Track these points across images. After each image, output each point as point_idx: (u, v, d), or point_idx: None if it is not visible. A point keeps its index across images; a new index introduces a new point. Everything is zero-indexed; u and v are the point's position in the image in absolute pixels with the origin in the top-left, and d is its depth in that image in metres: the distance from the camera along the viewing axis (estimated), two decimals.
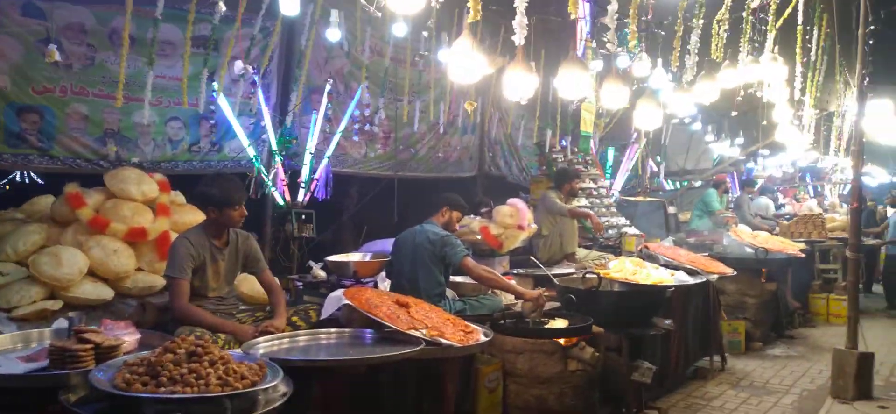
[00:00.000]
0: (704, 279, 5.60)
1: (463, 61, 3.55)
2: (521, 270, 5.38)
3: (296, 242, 5.75)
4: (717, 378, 6.10)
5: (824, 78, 7.57)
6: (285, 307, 3.41)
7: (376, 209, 8.61)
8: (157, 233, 4.42)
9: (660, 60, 6.20)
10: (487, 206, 8.52)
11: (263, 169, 5.79)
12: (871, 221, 11.41)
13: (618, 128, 9.96)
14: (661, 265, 5.91)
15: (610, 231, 8.59)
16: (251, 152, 5.92)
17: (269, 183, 5.65)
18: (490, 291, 4.29)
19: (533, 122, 9.49)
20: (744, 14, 6.02)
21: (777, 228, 9.71)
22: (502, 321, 3.76)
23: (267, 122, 6.09)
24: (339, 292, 3.36)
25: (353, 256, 4.40)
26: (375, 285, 4.23)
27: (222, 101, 5.63)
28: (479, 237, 5.20)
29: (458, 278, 4.39)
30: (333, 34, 6.02)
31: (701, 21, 5.88)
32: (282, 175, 5.78)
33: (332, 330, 3.19)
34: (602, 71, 6.19)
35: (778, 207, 13.28)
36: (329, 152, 6.15)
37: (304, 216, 5.82)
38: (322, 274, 4.26)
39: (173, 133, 6.06)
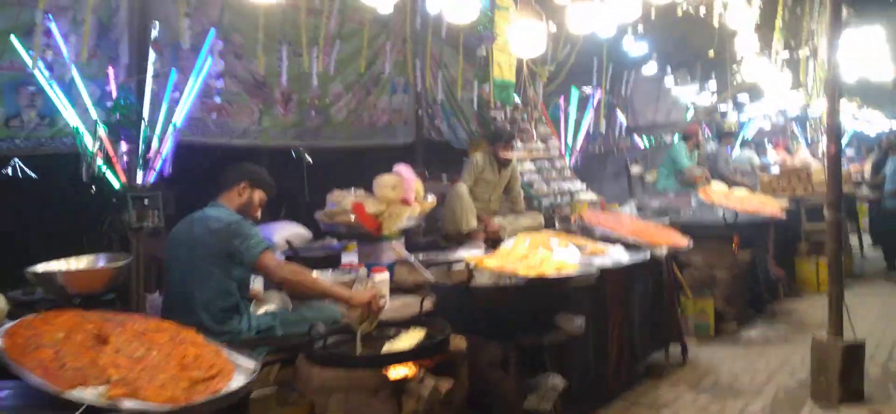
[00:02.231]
0: (646, 256, 4.39)
1: None
2: (421, 257, 4.15)
3: (137, 233, 4.53)
4: (674, 375, 4.94)
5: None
6: None
7: (296, 187, 7.41)
8: None
9: None
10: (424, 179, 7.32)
11: (89, 144, 4.55)
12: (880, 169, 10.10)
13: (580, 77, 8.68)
14: (598, 239, 4.72)
15: (560, 199, 7.40)
16: (84, 125, 4.68)
17: (92, 158, 4.42)
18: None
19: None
20: None
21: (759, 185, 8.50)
22: (321, 343, 2.57)
23: (112, 87, 4.84)
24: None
25: (63, 264, 2.99)
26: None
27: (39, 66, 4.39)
28: (353, 218, 3.99)
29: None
30: None
31: None
32: (111, 150, 4.55)
33: None
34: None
35: (764, 160, 12.04)
36: (179, 121, 4.88)
37: (146, 201, 4.60)
38: None
39: None
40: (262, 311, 2.98)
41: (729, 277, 6.08)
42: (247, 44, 6.32)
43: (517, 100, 8.31)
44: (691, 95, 8.81)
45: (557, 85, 8.26)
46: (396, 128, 8.37)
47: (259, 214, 3.14)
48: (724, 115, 8.07)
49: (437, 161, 8.26)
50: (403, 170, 4.10)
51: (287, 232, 4.86)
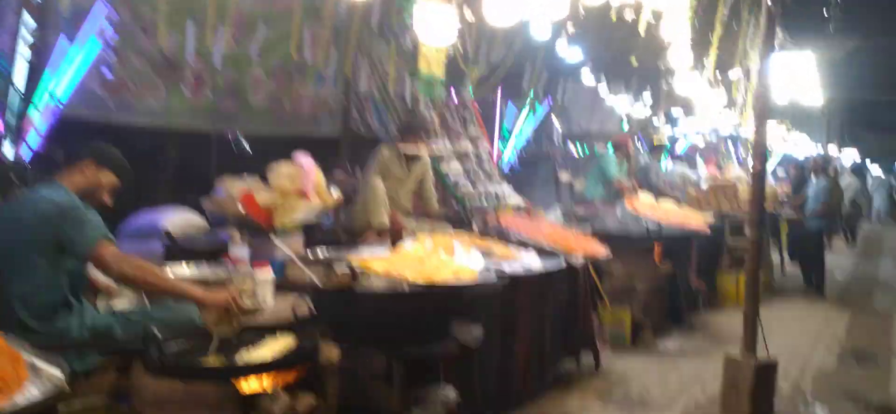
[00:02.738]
0: (561, 263, 4.19)
1: None
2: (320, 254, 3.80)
3: None
4: (585, 385, 4.77)
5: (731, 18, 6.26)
6: None
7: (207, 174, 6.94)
8: None
9: None
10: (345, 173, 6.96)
11: None
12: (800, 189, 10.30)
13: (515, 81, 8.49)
14: (514, 244, 4.50)
15: (486, 201, 7.18)
16: None
17: None
18: None
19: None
20: None
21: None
22: (160, 350, 2.21)
23: None
24: None
25: None
26: None
27: None
28: (243, 208, 3.63)
29: None
30: None
31: None
32: None
33: None
34: None
35: (696, 175, 12.20)
36: (61, 93, 4.41)
37: (13, 176, 4.11)
38: None
39: None
40: (112, 308, 2.61)
41: (648, 287, 5.97)
42: (154, 18, 5.85)
43: (452, 96, 8.08)
44: (625, 106, 8.76)
45: (492, 87, 8.06)
46: (320, 118, 7.97)
47: (108, 199, 2.73)
48: (657, 128, 8.02)
49: (366, 156, 7.93)
50: (303, 160, 3.77)
51: (178, 219, 4.45)
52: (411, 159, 5.22)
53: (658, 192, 7.96)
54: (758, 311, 4.05)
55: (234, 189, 3.67)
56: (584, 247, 4.61)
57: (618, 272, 6.01)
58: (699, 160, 14.88)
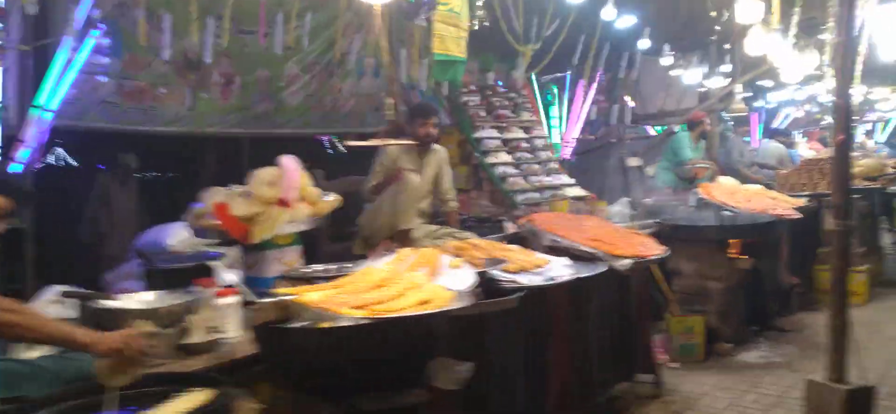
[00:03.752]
0: (600, 269, 3.52)
1: None
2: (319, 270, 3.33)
3: None
4: (643, 410, 4.07)
5: None
6: None
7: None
8: None
9: None
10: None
11: None
12: None
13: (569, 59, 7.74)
14: (546, 247, 3.88)
15: (541, 194, 6.55)
16: None
17: None
18: None
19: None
20: None
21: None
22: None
23: None
24: None
25: None
26: None
27: None
28: (220, 222, 3.22)
29: None
30: None
31: None
32: None
33: None
34: None
35: (794, 154, 10.91)
36: (51, 103, 4.17)
37: None
38: None
39: None
40: (21, 355, 2.24)
41: (724, 288, 5.14)
42: (177, 18, 5.62)
43: (499, 84, 7.48)
44: (697, 78, 7.79)
45: (544, 66, 7.37)
46: (365, 115, 7.59)
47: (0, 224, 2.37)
48: (735, 99, 7.04)
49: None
50: (287, 162, 3.32)
51: (183, 234, 4.13)
52: (424, 147, 4.52)
53: (741, 175, 7.01)
54: (846, 323, 3.23)
55: (213, 200, 3.27)
56: (634, 247, 3.90)
57: (688, 272, 5.24)
58: (799, 137, 13.42)
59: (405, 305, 2.12)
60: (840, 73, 3.23)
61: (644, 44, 6.85)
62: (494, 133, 6.62)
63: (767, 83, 9.33)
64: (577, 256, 3.71)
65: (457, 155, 6.66)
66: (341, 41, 6.67)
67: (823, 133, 14.90)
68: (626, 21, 6.09)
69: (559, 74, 8.01)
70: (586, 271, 3.48)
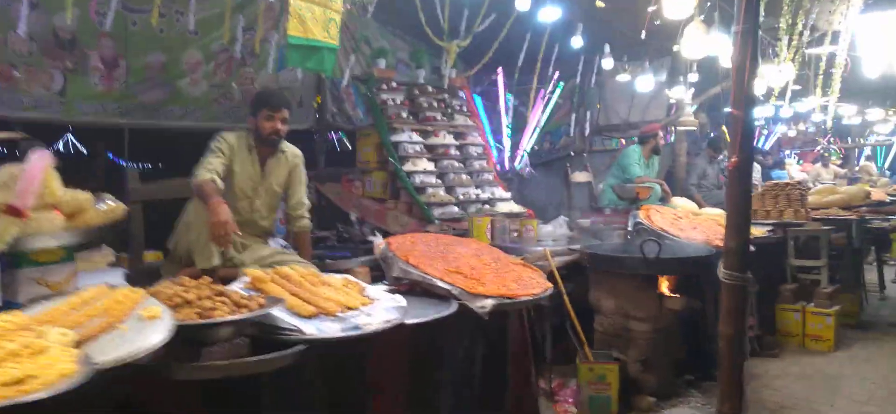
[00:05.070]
0: (430, 317, 2.74)
1: None
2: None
3: None
4: None
5: None
6: None
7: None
8: None
9: None
10: None
11: None
12: None
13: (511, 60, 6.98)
14: (394, 279, 3.14)
15: (469, 209, 5.80)
16: None
17: None
18: None
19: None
20: None
21: None
22: None
23: None
24: None
25: None
26: None
27: None
28: None
29: None
30: None
31: None
32: None
33: None
34: None
35: (776, 175, 10.09)
36: None
37: None
38: None
39: None
40: None
41: (650, 330, 4.36)
42: None
43: (423, 82, 6.69)
44: (649, 86, 6.99)
45: (483, 65, 6.62)
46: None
47: None
48: (682, 109, 6.25)
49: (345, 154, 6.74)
50: (34, 160, 2.59)
51: None
52: (268, 143, 3.64)
53: (696, 199, 6.22)
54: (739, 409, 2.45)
55: None
56: (505, 283, 3.14)
57: (608, 309, 4.47)
58: (788, 157, 12.59)
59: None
60: (736, 73, 2.46)
61: (577, 42, 6.06)
62: (416, 137, 5.87)
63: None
64: (429, 292, 2.99)
65: (374, 159, 5.92)
66: (259, 29, 5.93)
67: (819, 154, 14.06)
68: (551, 13, 5.31)
69: (499, 77, 7.25)
70: (422, 315, 2.73)
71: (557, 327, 4.49)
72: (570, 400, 4.26)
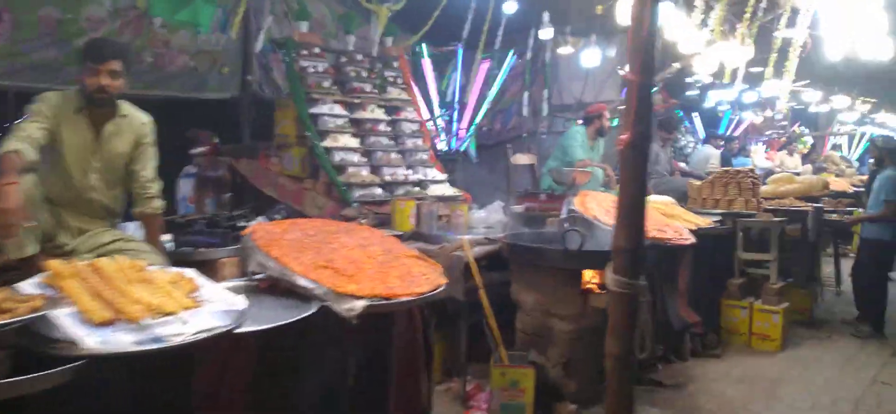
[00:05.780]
0: (302, 313, 2.30)
1: None
2: None
3: None
4: None
5: None
6: None
7: None
8: None
9: None
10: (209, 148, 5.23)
11: None
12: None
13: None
14: (258, 270, 2.68)
15: (396, 191, 5.35)
16: None
17: None
18: None
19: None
20: None
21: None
22: None
23: None
24: None
25: None
26: None
27: None
28: None
29: None
30: None
31: None
32: None
33: None
34: None
35: (740, 162, 9.73)
36: None
37: None
38: None
39: None
40: None
41: (573, 330, 3.95)
42: None
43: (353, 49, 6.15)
44: (592, 60, 6.54)
45: (420, 37, 6.11)
46: (205, 76, 6.31)
47: None
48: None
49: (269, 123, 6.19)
50: None
51: None
52: (103, 113, 2.99)
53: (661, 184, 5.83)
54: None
55: None
56: (387, 280, 2.68)
57: (529, 306, 4.05)
58: (753, 145, 12.27)
59: None
60: (634, 27, 2.01)
61: (510, 7, 5.57)
62: (340, 110, 5.36)
63: (704, 79, 8.13)
64: (293, 291, 2.54)
65: (293, 133, 5.41)
66: None
67: (784, 142, 13.76)
68: None
69: (450, 48, 6.75)
70: (271, 320, 2.28)
71: (477, 326, 4.09)
72: (484, 406, 3.86)
